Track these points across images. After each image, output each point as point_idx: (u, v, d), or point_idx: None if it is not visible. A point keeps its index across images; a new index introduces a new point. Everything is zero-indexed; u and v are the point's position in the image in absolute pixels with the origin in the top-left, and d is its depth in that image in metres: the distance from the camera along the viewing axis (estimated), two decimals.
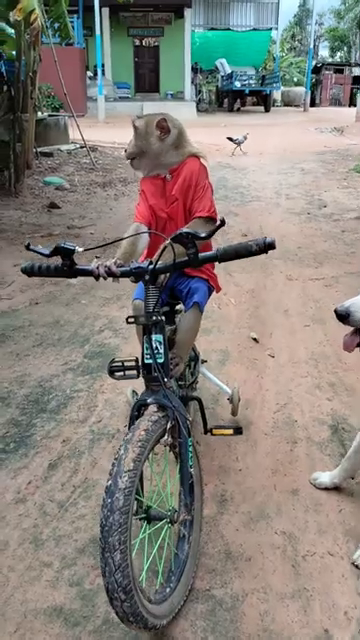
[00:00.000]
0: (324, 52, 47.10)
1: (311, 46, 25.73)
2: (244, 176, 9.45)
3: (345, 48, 41.11)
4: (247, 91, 23.93)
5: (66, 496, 2.22)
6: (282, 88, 27.76)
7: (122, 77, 23.54)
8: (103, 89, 19.48)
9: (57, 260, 1.67)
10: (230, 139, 12.11)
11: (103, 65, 20.72)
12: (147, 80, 24.77)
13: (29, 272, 1.70)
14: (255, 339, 3.57)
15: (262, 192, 8.24)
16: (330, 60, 40.09)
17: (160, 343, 1.69)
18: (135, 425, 1.58)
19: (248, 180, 9.08)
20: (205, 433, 2.22)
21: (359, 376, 3.13)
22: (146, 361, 1.70)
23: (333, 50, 42.68)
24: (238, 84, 23.21)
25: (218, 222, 1.50)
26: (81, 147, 10.95)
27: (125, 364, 1.90)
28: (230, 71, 24.01)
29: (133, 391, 2.68)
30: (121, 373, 1.92)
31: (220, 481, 2.30)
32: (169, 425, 1.64)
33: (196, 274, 2.15)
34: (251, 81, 24.25)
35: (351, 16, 36.06)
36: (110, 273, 1.66)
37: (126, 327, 3.74)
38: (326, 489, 2.23)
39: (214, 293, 2.31)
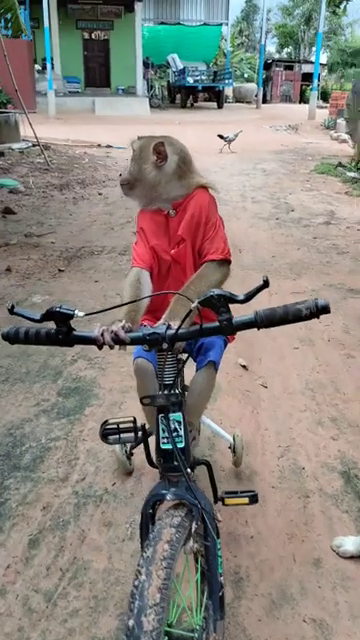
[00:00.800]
0: (271, 48, 47.37)
1: (262, 42, 25.67)
2: (205, 175, 9.15)
3: (293, 45, 41.38)
4: (200, 87, 23.67)
5: (53, 584, 1.88)
6: (234, 84, 27.63)
7: (71, 71, 22.84)
8: (53, 83, 18.81)
9: (48, 323, 1.33)
10: (221, 136, 12.28)
11: (52, 58, 20.02)
12: (97, 74, 24.14)
13: (12, 339, 1.35)
14: (244, 366, 3.29)
15: (227, 195, 7.98)
16: (278, 56, 40.34)
17: (180, 423, 1.38)
18: (154, 535, 1.25)
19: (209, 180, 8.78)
20: (215, 502, 1.91)
21: None
22: (163, 446, 1.38)
23: (282, 46, 42.89)
24: (191, 80, 22.90)
25: (261, 282, 1.19)
26: (34, 145, 10.44)
27: (121, 426, 1.59)
28: (182, 66, 23.68)
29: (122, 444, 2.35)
30: (116, 436, 1.62)
31: (231, 553, 2.00)
32: (194, 527, 1.33)
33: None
34: (203, 77, 23.98)
35: (299, 12, 36.32)
36: (118, 340, 1.33)
37: (102, 355, 3.40)
38: (351, 557, 1.98)
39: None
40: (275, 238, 6.03)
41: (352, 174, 9.33)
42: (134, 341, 1.33)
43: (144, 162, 1.71)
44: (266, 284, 1.18)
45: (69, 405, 2.89)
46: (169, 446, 1.36)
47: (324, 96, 28.97)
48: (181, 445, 1.37)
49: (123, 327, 1.35)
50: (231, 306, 1.24)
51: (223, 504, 1.88)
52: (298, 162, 11.09)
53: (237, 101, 29.54)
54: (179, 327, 1.27)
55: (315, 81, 20.98)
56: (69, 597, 1.83)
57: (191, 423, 1.75)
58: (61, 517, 2.17)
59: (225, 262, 1.72)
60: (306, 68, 31.96)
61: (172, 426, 1.36)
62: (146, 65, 23.93)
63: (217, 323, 1.24)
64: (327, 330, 3.80)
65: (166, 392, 1.36)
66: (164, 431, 1.37)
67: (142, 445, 1.64)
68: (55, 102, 18.63)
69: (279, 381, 3.16)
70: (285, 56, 41.28)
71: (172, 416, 1.36)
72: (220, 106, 24.40)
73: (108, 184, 8.72)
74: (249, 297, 1.21)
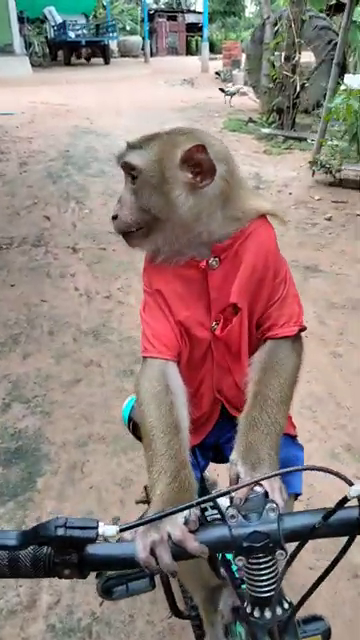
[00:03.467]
0: None
1: None
2: (112, 143, 8.28)
3: None
4: (83, 42, 22.03)
5: None
6: (118, 38, 26.13)
7: None
8: None
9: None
10: (222, 90, 12.37)
11: None
12: None
13: None
14: None
15: None
16: (156, 6, 38.66)
17: None
18: None
19: (119, 148, 7.92)
20: None
21: None
22: None
23: None
24: (72, 35, 21.23)
25: None
26: None
27: (127, 572, 0.97)
28: (61, 20, 21.85)
29: None
30: (122, 587, 1.00)
31: None
32: None
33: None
34: (85, 31, 22.35)
35: None
36: (185, 555, 0.68)
37: (41, 394, 2.68)
38: None
39: None
40: None
41: (266, 130, 8.83)
42: (215, 548, 0.68)
43: (166, 186, 0.96)
44: None
45: (13, 478, 2.17)
46: None
47: (211, 46, 28.19)
48: None
49: (187, 523, 0.69)
50: None
51: None
52: (205, 119, 10.42)
53: (122, 55, 27.98)
54: (321, 523, 0.64)
55: (205, 31, 20.15)
56: None
57: None
58: None
59: (298, 336, 1.08)
60: (190, 18, 30.94)
61: None
62: (21, 20, 21.82)
63: None
64: None
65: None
66: None
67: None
68: None
69: None
70: (163, 6, 39.66)
71: None
72: (107, 62, 22.92)
73: (2, 158, 7.61)
74: None
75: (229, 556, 0.80)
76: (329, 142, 6.68)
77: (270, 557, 0.69)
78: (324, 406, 2.57)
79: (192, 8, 36.81)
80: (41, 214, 5.30)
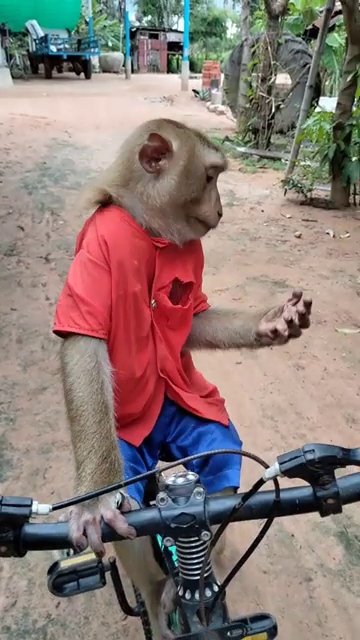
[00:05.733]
0: (132, 16, 45.77)
1: (125, 8, 24.61)
2: (90, 156, 8.36)
3: (156, 12, 40.42)
4: (65, 56, 22.17)
5: None
6: (100, 53, 26.34)
7: None
8: None
9: None
10: (195, 91, 14.45)
11: None
12: None
13: None
14: None
15: None
16: (138, 24, 39.14)
17: None
18: None
19: (96, 161, 8.00)
20: None
21: (331, 436, 2.49)
22: None
23: (144, 13, 41.71)
24: (54, 48, 21.32)
25: None
26: None
27: (78, 569, 1.01)
28: (43, 34, 21.98)
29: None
30: (74, 584, 1.03)
31: None
32: None
33: (211, 416, 1.26)
34: (67, 45, 22.48)
35: None
36: (114, 536, 0.73)
37: (7, 401, 2.69)
38: None
39: None
40: None
41: (241, 149, 9.01)
42: (144, 530, 0.73)
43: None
44: None
45: None
46: None
47: (191, 66, 28.61)
48: None
49: (121, 507, 0.74)
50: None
51: None
52: None
53: (104, 71, 28.22)
54: (239, 507, 0.69)
55: (186, 50, 20.44)
56: None
57: None
58: None
59: None
60: (171, 37, 31.36)
61: None
62: (2, 32, 21.89)
63: (309, 493, 0.68)
64: None
65: (198, 598, 0.78)
66: None
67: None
68: None
69: (233, 411, 2.65)
70: (146, 24, 40.19)
71: None
72: (88, 76, 23.08)
73: None
74: None
75: (172, 549, 0.84)
76: (302, 162, 6.86)
77: (197, 538, 0.74)
78: (285, 416, 2.63)
79: (174, 27, 37.34)
80: (15, 224, 5.32)
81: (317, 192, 6.48)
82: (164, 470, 0.75)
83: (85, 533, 0.73)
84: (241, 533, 1.98)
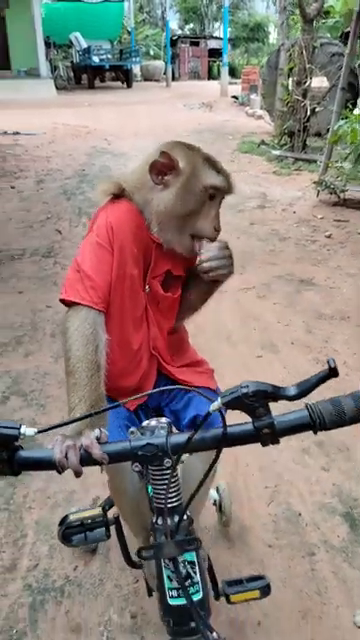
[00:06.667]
0: (174, 24, 46.27)
1: (167, 17, 24.97)
2: (127, 162, 8.60)
3: (197, 20, 40.76)
4: (107, 66, 22.70)
5: None
6: (142, 62, 26.81)
7: None
8: None
9: None
10: (235, 97, 15.67)
11: None
12: None
13: None
14: None
15: None
16: (180, 32, 39.57)
17: (194, 564, 0.93)
18: None
19: (133, 167, 8.22)
20: (217, 599, 1.47)
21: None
22: (171, 602, 0.94)
23: (185, 22, 42.13)
24: (96, 59, 21.87)
25: (326, 369, 0.77)
26: None
27: (85, 522, 1.17)
28: (86, 45, 22.58)
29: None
30: (81, 536, 1.19)
31: None
32: None
33: (200, 384, 1.39)
34: (109, 55, 23.01)
35: None
36: (90, 460, 0.87)
37: (38, 389, 2.88)
38: None
39: None
40: None
41: (277, 152, 9.07)
42: (116, 458, 0.87)
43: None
44: (333, 372, 0.76)
45: None
46: (182, 601, 0.92)
47: (232, 71, 28.70)
48: (198, 596, 0.93)
49: (98, 439, 0.88)
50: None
51: (228, 602, 1.43)
52: (219, 141, 10.71)
53: (145, 79, 28.72)
54: (193, 435, 0.82)
55: (225, 56, 20.63)
56: None
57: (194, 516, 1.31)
58: (14, 627, 1.68)
59: None
60: (212, 44, 31.56)
61: (183, 571, 0.92)
62: (48, 45, 22.59)
63: (250, 426, 0.81)
64: (288, 331, 3.46)
65: (170, 523, 0.91)
66: (171, 580, 0.92)
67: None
68: None
69: None
70: (189, 32, 40.56)
71: (183, 557, 0.92)
72: (129, 85, 23.57)
73: (20, 175, 7.96)
74: (304, 391, 0.79)
75: (188, 557, 0.97)
76: (336, 164, 6.88)
77: (160, 465, 0.87)
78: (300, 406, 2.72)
79: (215, 34, 37.55)
80: (53, 228, 5.57)
81: (351, 193, 6.49)
82: (125, 402, 0.89)
83: (67, 456, 0.87)
84: (250, 510, 2.09)
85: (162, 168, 1.22)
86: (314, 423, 0.82)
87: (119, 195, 1.28)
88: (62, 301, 1.23)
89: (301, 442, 2.46)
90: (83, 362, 1.10)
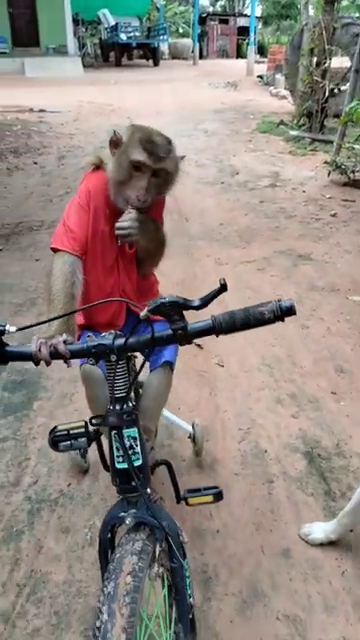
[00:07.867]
0: (205, 1, 45.64)
1: None
2: None
3: None
4: (134, 44, 22.76)
5: (10, 602, 1.75)
6: (169, 40, 26.75)
7: None
8: None
9: None
10: (260, 77, 16.30)
11: None
12: (25, 33, 22.69)
13: None
14: (198, 345, 3.17)
15: None
16: (211, 10, 39.10)
17: (135, 439, 1.24)
18: (114, 566, 1.13)
19: None
20: (178, 502, 1.80)
21: (319, 382, 2.85)
22: (118, 466, 1.25)
23: None
24: (124, 36, 21.96)
25: (218, 286, 1.06)
26: None
27: (71, 432, 1.48)
28: (114, 22, 22.61)
29: None
30: (67, 443, 1.50)
31: (198, 551, 1.92)
32: (158, 550, 1.22)
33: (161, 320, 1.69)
34: (137, 33, 23.04)
35: None
36: (57, 355, 1.18)
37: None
38: (320, 545, 1.93)
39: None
40: (222, 204, 5.87)
41: (294, 132, 9.20)
42: (76, 354, 1.18)
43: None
44: (224, 288, 1.05)
45: (16, 400, 2.72)
46: (125, 465, 1.23)
47: (261, 50, 28.39)
48: (138, 463, 1.25)
49: (65, 341, 1.19)
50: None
51: (187, 504, 1.76)
52: (240, 121, 10.87)
53: (173, 57, 28.64)
54: (128, 337, 1.13)
55: (252, 35, 20.51)
56: (28, 615, 1.71)
57: (148, 429, 1.63)
58: (14, 527, 2.03)
59: None
60: (241, 22, 31.20)
61: (127, 443, 1.23)
62: (76, 22, 22.69)
63: (170, 331, 1.11)
64: None
65: (118, 408, 1.22)
66: (118, 449, 1.24)
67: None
68: None
69: (235, 359, 3.07)
70: (219, 9, 40.01)
71: (127, 432, 1.23)
72: (156, 63, 23.59)
73: (43, 152, 8.29)
74: (205, 302, 1.07)
75: (131, 433, 1.27)
76: (348, 144, 7.03)
77: (110, 361, 1.17)
78: (280, 364, 3.01)
79: (246, 12, 37.08)
80: None
81: None
82: (81, 310, 1.20)
83: (40, 350, 1.18)
84: (222, 446, 2.40)
85: (113, 144, 1.54)
86: (215, 328, 1.10)
87: (98, 166, 1.59)
88: (52, 249, 1.55)
89: (274, 392, 2.75)
90: (61, 293, 1.43)
